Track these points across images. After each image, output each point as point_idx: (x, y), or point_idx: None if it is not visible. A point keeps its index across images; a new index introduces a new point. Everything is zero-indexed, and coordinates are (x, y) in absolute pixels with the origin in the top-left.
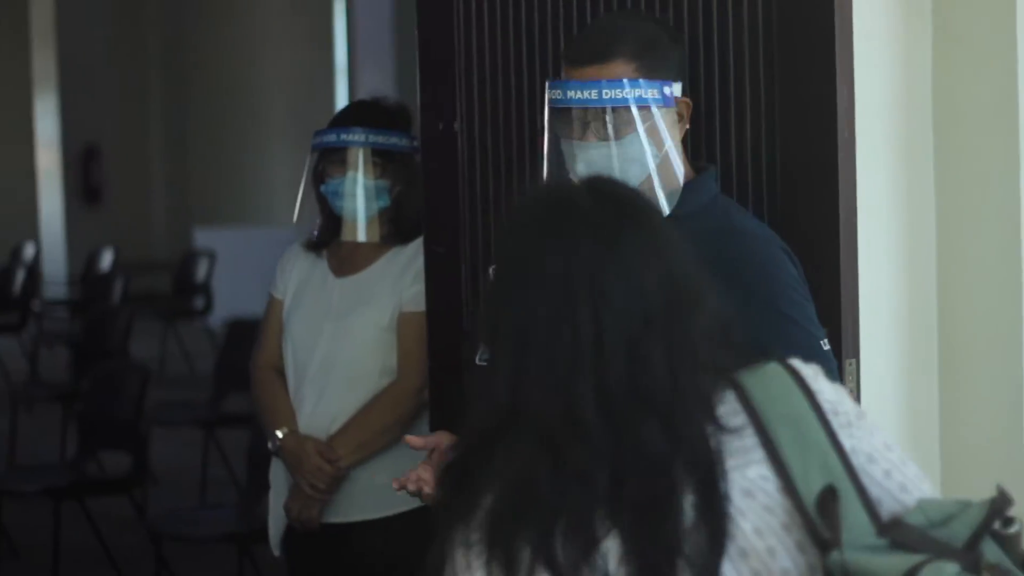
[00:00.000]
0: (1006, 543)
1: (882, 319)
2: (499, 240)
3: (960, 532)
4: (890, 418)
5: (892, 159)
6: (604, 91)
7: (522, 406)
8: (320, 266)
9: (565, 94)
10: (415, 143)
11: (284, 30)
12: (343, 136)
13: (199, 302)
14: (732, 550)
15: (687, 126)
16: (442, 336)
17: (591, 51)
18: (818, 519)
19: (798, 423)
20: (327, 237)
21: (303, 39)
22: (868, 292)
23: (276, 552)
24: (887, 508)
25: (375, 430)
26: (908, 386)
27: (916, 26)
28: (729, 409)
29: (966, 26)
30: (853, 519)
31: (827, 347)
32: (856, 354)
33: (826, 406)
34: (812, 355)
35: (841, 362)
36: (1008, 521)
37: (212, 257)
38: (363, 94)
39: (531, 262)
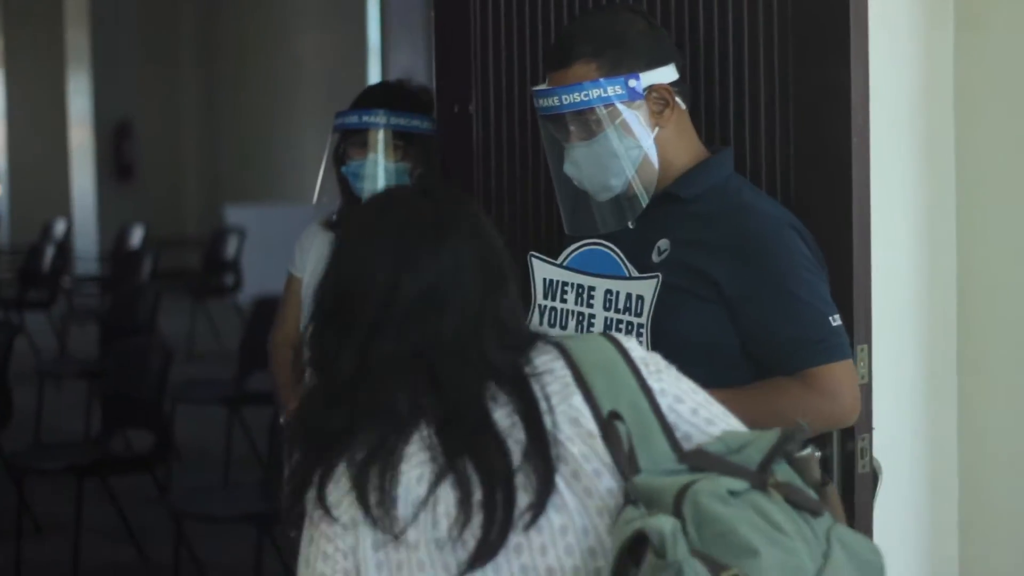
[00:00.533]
0: (799, 466)
1: (899, 304)
2: (337, 236)
3: (754, 456)
4: (906, 402)
5: (912, 146)
6: (563, 97)
7: (321, 363)
8: None
9: (538, 102)
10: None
11: (317, 8)
12: (364, 118)
13: (229, 279)
14: (565, 471)
15: (680, 109)
16: None
17: (555, 56)
18: (609, 449)
19: (610, 371)
20: (347, 217)
21: (336, 17)
22: (884, 278)
23: (291, 532)
24: (697, 440)
25: None
26: (926, 371)
27: (938, 14)
28: (549, 357)
29: (988, 14)
30: (656, 449)
31: (836, 323)
32: (868, 340)
33: (636, 358)
34: (821, 331)
35: (853, 348)
36: (803, 447)
37: (242, 234)
38: (396, 73)
39: (356, 243)
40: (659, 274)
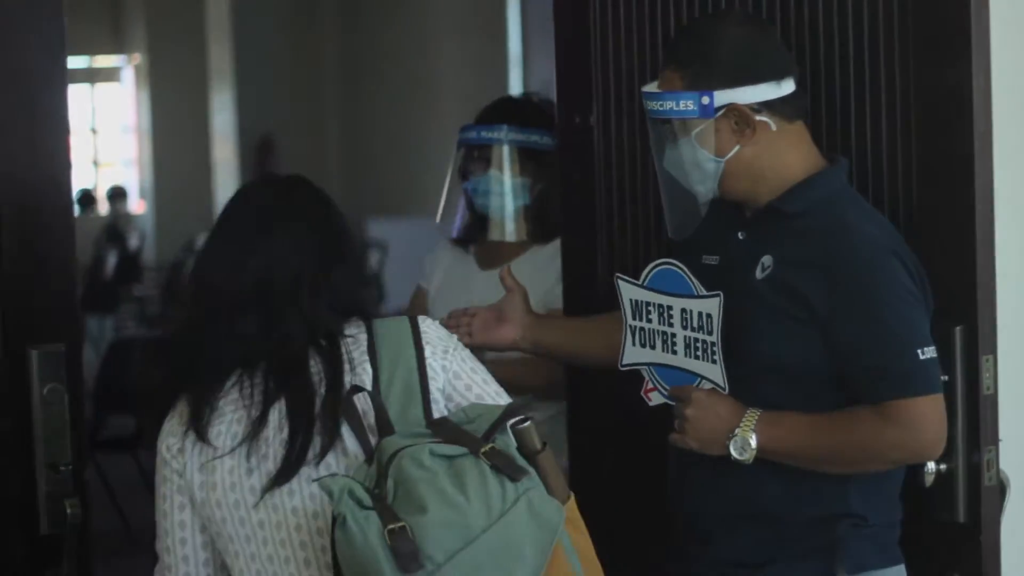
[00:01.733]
0: (520, 436)
1: None
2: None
3: (482, 427)
4: None
5: None
6: (647, 103)
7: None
8: (467, 260)
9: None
10: None
11: (457, 20)
12: (484, 133)
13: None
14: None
15: (769, 129)
16: None
17: (663, 57)
18: (347, 415)
19: (397, 347)
20: (472, 234)
21: (476, 29)
22: (1010, 286)
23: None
24: None
25: None
26: None
27: None
28: (358, 329)
29: None
30: (413, 416)
31: (926, 356)
32: (993, 350)
33: (424, 339)
34: (906, 363)
35: (978, 358)
36: (524, 420)
37: (384, 248)
38: (536, 84)
39: (213, 235)
40: (719, 292)
